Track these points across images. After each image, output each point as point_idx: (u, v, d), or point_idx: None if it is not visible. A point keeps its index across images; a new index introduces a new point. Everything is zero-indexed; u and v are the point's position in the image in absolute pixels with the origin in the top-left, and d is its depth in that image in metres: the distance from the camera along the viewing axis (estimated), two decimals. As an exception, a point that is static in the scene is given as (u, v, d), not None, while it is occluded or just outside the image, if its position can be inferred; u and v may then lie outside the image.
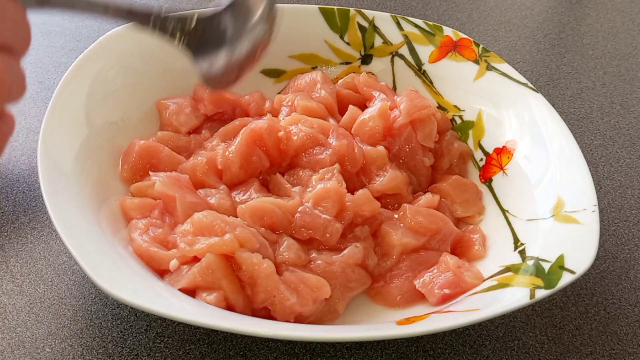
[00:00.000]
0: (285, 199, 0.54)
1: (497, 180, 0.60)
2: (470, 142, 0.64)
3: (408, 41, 0.68)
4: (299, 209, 0.53)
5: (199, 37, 0.40)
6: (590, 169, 0.54)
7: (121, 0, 0.36)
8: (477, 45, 0.66)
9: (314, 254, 0.52)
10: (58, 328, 0.51)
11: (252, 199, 0.54)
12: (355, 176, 0.58)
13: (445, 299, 0.51)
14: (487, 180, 0.61)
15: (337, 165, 0.56)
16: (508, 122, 0.62)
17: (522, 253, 0.52)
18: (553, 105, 0.60)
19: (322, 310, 0.51)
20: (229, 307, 0.48)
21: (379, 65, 0.69)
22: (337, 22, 0.69)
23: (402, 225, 0.55)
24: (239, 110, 0.64)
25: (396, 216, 0.56)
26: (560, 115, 0.59)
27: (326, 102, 0.63)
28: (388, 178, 0.57)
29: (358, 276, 0.52)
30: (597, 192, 0.53)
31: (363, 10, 0.69)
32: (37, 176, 0.50)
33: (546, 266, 0.49)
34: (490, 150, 0.62)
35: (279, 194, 0.56)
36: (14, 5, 0.29)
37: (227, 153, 0.56)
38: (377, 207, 0.55)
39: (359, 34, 0.69)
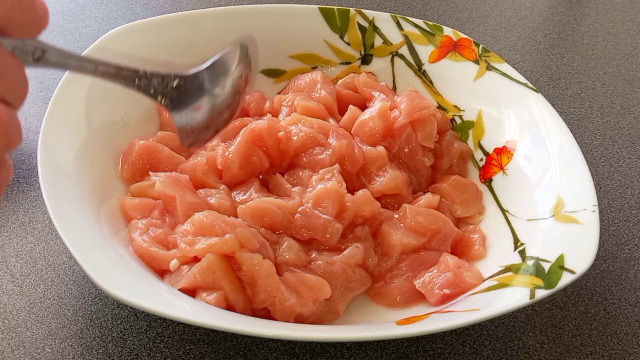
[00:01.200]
0: (285, 199, 0.54)
1: (497, 180, 0.60)
2: (470, 142, 0.64)
3: (408, 41, 0.68)
4: (299, 210, 0.53)
5: (179, 95, 0.44)
6: (590, 169, 0.54)
7: (109, 62, 0.39)
8: (477, 45, 0.66)
9: (314, 255, 0.52)
10: (58, 328, 0.51)
11: (252, 199, 0.54)
12: (355, 176, 0.58)
13: (445, 299, 0.51)
14: (487, 180, 0.61)
15: (337, 166, 0.56)
16: (508, 122, 0.62)
17: (522, 253, 0.52)
18: (553, 105, 0.60)
19: (323, 310, 0.51)
20: (229, 308, 0.48)
21: (379, 65, 0.69)
22: (337, 22, 0.69)
23: (402, 225, 0.55)
24: (239, 110, 0.64)
25: (396, 216, 0.56)
26: (560, 115, 0.59)
27: (326, 102, 0.63)
28: (388, 178, 0.57)
29: (358, 276, 0.52)
30: (597, 192, 0.53)
31: (363, 10, 0.69)
32: (37, 176, 0.50)
33: (546, 266, 0.49)
34: (490, 150, 0.62)
35: (279, 194, 0.56)
36: (15, 61, 0.32)
37: (227, 153, 0.56)
38: (378, 208, 0.55)
39: (359, 34, 0.69)
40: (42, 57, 0.34)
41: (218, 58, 0.46)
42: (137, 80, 0.41)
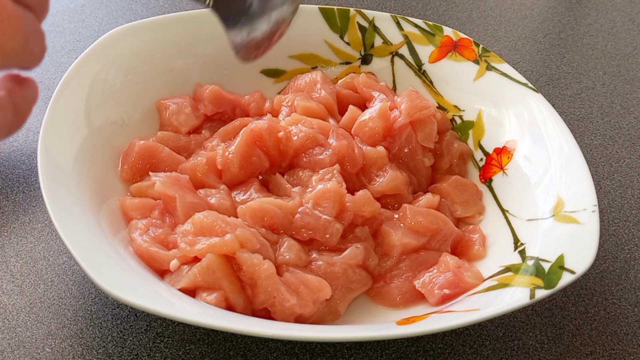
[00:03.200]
0: (285, 199, 0.54)
1: (497, 180, 0.60)
2: (470, 142, 0.64)
3: (408, 41, 0.68)
4: (299, 210, 0.53)
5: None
6: (590, 169, 0.54)
7: None
8: (477, 45, 0.66)
9: (314, 255, 0.52)
10: (58, 328, 0.51)
11: (253, 199, 0.54)
12: (355, 177, 0.58)
13: (445, 299, 0.51)
14: (487, 180, 0.61)
15: (337, 166, 0.56)
16: (508, 122, 0.62)
17: (522, 253, 0.52)
18: (553, 105, 0.60)
19: (323, 311, 0.51)
20: (229, 308, 0.48)
21: (379, 65, 0.69)
22: (337, 22, 0.69)
23: (402, 225, 0.55)
24: (239, 110, 0.64)
25: (396, 216, 0.56)
26: (560, 115, 0.59)
27: (326, 103, 0.63)
28: (388, 179, 0.57)
29: (359, 277, 0.52)
30: (597, 192, 0.53)
31: (363, 10, 0.69)
32: (37, 176, 0.50)
33: (546, 266, 0.49)
34: (490, 150, 0.62)
35: (279, 194, 0.56)
36: None
37: (226, 153, 0.56)
38: (378, 208, 0.55)
39: (359, 34, 0.69)
40: None
41: None
42: None
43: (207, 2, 0.39)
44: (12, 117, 0.30)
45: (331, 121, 0.61)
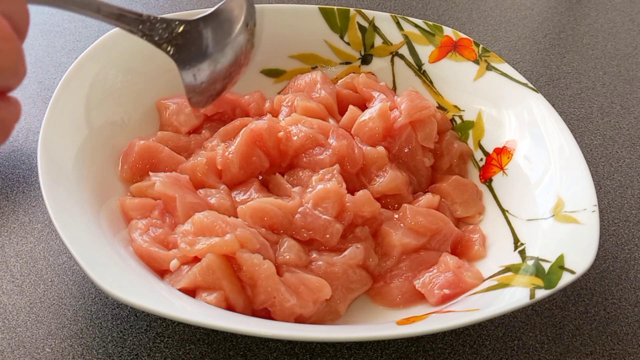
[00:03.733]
0: (285, 199, 0.54)
1: (497, 180, 0.60)
2: (470, 142, 0.64)
3: (408, 41, 0.68)
4: (299, 210, 0.53)
5: (185, 43, 0.41)
6: (590, 169, 0.54)
7: (112, 4, 0.36)
8: (477, 45, 0.66)
9: (314, 255, 0.52)
10: (58, 328, 0.51)
11: (253, 199, 0.54)
12: (355, 177, 0.58)
13: (445, 299, 0.51)
14: (487, 180, 0.61)
15: (337, 166, 0.56)
16: (508, 122, 0.62)
17: (522, 253, 0.52)
18: (553, 105, 0.60)
19: (323, 311, 0.51)
20: (229, 308, 0.48)
21: (379, 65, 0.69)
22: (337, 22, 0.69)
23: (402, 225, 0.55)
24: (239, 110, 0.64)
25: (396, 216, 0.56)
26: (560, 115, 0.59)
27: (326, 103, 0.63)
28: (388, 179, 0.57)
29: (359, 277, 0.52)
30: (597, 192, 0.53)
31: (363, 10, 0.69)
32: (37, 176, 0.50)
33: (546, 266, 0.49)
34: (490, 150, 0.62)
35: (279, 194, 0.56)
36: None
37: (226, 153, 0.56)
38: (378, 208, 0.55)
39: (359, 34, 0.69)
40: None
41: (223, 5, 0.43)
42: (140, 25, 0.39)
43: (169, 50, 0.40)
44: None
45: (331, 121, 0.61)
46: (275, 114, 0.63)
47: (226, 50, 0.43)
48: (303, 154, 0.58)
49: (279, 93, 0.68)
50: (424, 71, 0.67)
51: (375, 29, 0.69)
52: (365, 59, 0.69)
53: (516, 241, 0.54)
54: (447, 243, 0.56)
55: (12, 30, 0.30)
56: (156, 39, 0.40)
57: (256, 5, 0.67)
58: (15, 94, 0.33)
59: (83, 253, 0.45)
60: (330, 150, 0.57)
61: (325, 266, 0.51)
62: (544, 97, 0.61)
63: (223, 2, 0.43)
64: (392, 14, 0.69)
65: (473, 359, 0.51)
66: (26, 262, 0.55)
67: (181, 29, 0.41)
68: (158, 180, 0.53)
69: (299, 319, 0.49)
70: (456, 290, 0.51)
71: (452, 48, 0.67)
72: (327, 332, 0.47)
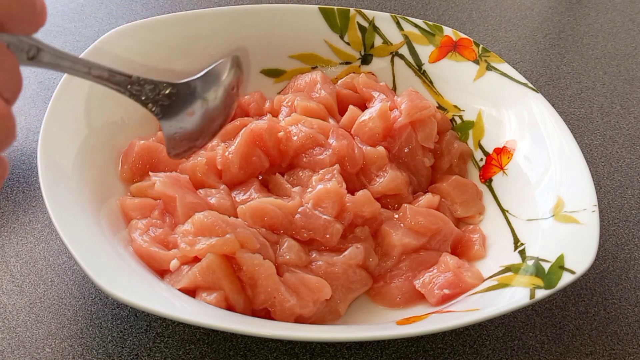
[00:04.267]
0: (285, 199, 0.54)
1: (497, 180, 0.60)
2: (470, 142, 0.64)
3: (408, 41, 0.68)
4: (299, 210, 0.53)
5: (170, 104, 0.43)
6: (590, 169, 0.54)
7: (102, 66, 0.39)
8: (477, 45, 0.66)
9: (314, 255, 0.52)
10: (58, 328, 0.51)
11: (253, 199, 0.54)
12: (355, 177, 0.58)
13: (445, 299, 0.51)
14: (487, 180, 0.61)
15: (337, 166, 0.56)
16: (508, 122, 0.62)
17: (522, 253, 0.52)
18: (553, 105, 0.60)
19: (324, 311, 0.51)
20: (229, 308, 0.48)
21: (379, 65, 0.69)
22: (337, 22, 0.69)
23: (402, 225, 0.55)
24: (239, 110, 0.64)
25: (396, 216, 0.56)
26: (560, 115, 0.59)
27: (326, 103, 0.63)
28: (388, 179, 0.57)
29: (359, 277, 0.52)
30: (597, 192, 0.53)
31: (363, 10, 0.69)
32: (37, 176, 0.50)
33: (546, 266, 0.49)
34: (490, 150, 0.62)
35: (279, 194, 0.56)
36: (11, 56, 0.32)
37: (227, 153, 0.56)
38: (378, 208, 0.55)
39: (359, 34, 0.69)
40: (37, 56, 0.34)
41: (210, 69, 0.46)
42: (129, 85, 0.41)
43: (154, 110, 0.43)
44: None
45: (331, 121, 0.61)
46: (275, 114, 0.63)
47: (210, 111, 0.46)
48: (303, 154, 0.58)
49: (279, 93, 0.68)
50: (424, 71, 0.67)
51: (375, 29, 0.69)
52: (365, 59, 0.69)
53: (516, 241, 0.54)
54: (447, 243, 0.56)
55: (7, 106, 0.31)
56: (143, 98, 0.42)
57: (257, 6, 0.68)
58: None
59: (83, 253, 0.45)
60: (330, 150, 0.57)
61: (326, 266, 0.51)
62: (544, 97, 0.61)
63: (211, 66, 0.46)
64: (392, 14, 0.69)
65: (473, 359, 0.51)
66: (26, 262, 0.55)
67: (168, 90, 0.43)
68: (158, 180, 0.53)
69: (299, 319, 0.49)
70: (456, 290, 0.51)
71: (452, 48, 0.67)
72: (327, 332, 0.47)
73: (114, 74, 0.40)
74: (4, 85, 0.31)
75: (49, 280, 0.54)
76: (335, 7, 0.69)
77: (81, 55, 0.59)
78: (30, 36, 0.34)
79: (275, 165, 0.58)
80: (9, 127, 0.31)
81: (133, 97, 0.42)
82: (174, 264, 0.49)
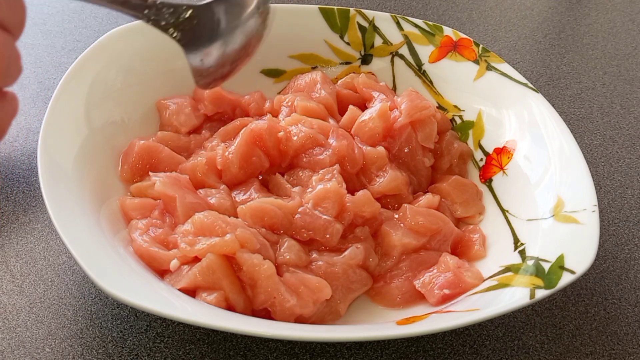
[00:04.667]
0: (285, 199, 0.54)
1: (497, 180, 0.60)
2: (470, 142, 0.64)
3: (408, 41, 0.68)
4: (299, 210, 0.53)
5: (193, 28, 0.40)
6: (590, 169, 0.54)
7: None
8: (477, 45, 0.66)
9: (314, 255, 0.52)
10: (58, 328, 0.51)
11: (253, 199, 0.54)
12: (355, 177, 0.58)
13: (445, 299, 0.51)
14: (487, 180, 0.61)
15: (337, 166, 0.56)
16: (508, 122, 0.62)
17: (522, 253, 0.52)
18: (553, 105, 0.60)
19: (324, 311, 0.51)
20: (229, 308, 0.48)
21: (379, 65, 0.69)
22: (337, 22, 0.69)
23: (402, 225, 0.55)
24: (239, 110, 0.64)
25: (396, 216, 0.56)
26: (560, 115, 0.59)
27: (326, 103, 0.63)
28: (388, 179, 0.57)
29: (359, 277, 0.52)
30: (597, 192, 0.53)
31: (363, 10, 0.69)
32: (37, 176, 0.50)
33: (546, 266, 0.49)
34: (490, 150, 0.62)
35: (279, 194, 0.56)
36: None
37: (226, 153, 0.56)
38: (378, 208, 0.55)
39: (359, 34, 0.69)
40: None
41: None
42: (146, 10, 0.38)
43: (175, 35, 0.40)
44: None
45: (331, 121, 0.61)
46: (275, 114, 0.63)
47: (236, 34, 0.42)
48: (303, 154, 0.58)
49: (279, 93, 0.68)
50: (424, 71, 0.67)
51: (375, 29, 0.69)
52: (365, 59, 0.69)
53: (516, 241, 0.54)
54: (447, 243, 0.56)
55: (10, 37, 0.30)
56: (162, 23, 0.39)
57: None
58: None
59: (83, 253, 0.45)
60: (330, 150, 0.57)
61: (326, 266, 0.51)
62: (544, 97, 0.61)
63: None
64: (392, 14, 0.69)
65: (473, 359, 0.51)
66: (26, 262, 0.55)
67: (189, 13, 0.40)
68: (158, 180, 0.53)
69: (299, 319, 0.49)
70: (456, 290, 0.51)
71: (452, 48, 0.67)
72: (327, 332, 0.47)
73: None
74: (7, 15, 0.30)
75: (49, 280, 0.54)
76: (335, 7, 0.69)
77: (82, 55, 0.59)
78: None
79: (275, 165, 0.58)
80: (14, 57, 0.30)
81: (151, 22, 0.38)
82: (174, 264, 0.49)
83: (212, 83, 0.44)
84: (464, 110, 0.65)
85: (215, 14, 0.41)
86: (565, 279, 0.47)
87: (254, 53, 0.44)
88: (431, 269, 0.53)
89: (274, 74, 0.69)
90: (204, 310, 0.47)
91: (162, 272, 0.51)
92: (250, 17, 0.42)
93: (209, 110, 0.63)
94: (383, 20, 0.69)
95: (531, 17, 0.90)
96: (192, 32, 0.40)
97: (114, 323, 0.51)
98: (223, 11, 0.41)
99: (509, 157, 0.60)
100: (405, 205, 0.56)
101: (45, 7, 0.84)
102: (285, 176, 0.58)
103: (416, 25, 0.68)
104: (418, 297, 0.53)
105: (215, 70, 0.43)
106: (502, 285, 0.49)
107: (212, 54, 0.42)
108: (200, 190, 0.55)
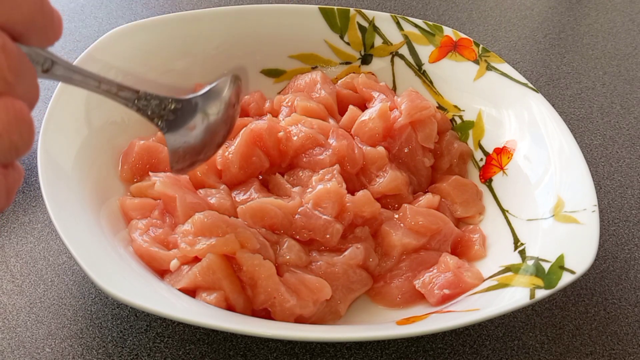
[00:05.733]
0: (285, 199, 0.54)
1: (497, 180, 0.60)
2: (470, 142, 0.64)
3: (408, 41, 0.68)
4: (299, 210, 0.53)
5: (175, 118, 0.45)
6: (590, 169, 0.54)
7: (111, 80, 0.41)
8: (477, 45, 0.66)
9: (314, 255, 0.52)
10: (58, 328, 0.51)
11: (253, 199, 0.54)
12: (355, 177, 0.58)
13: (445, 299, 0.51)
14: (487, 180, 0.61)
15: (337, 166, 0.56)
16: (508, 122, 0.62)
17: (522, 253, 0.52)
18: (553, 105, 0.60)
19: (324, 311, 0.51)
20: (229, 308, 0.48)
21: (379, 65, 0.69)
22: (337, 22, 0.69)
23: (402, 225, 0.55)
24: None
25: (396, 216, 0.56)
26: (560, 115, 0.59)
27: (326, 103, 0.63)
28: (388, 179, 0.57)
29: (359, 277, 0.52)
30: (597, 192, 0.53)
31: (363, 10, 0.69)
32: (37, 176, 0.50)
33: (546, 266, 0.49)
34: (490, 150, 0.62)
35: (279, 194, 0.56)
36: (30, 67, 0.32)
37: (226, 153, 0.56)
38: (378, 208, 0.55)
39: (359, 34, 0.69)
40: (51, 69, 0.35)
41: (212, 87, 0.48)
42: (136, 100, 0.43)
43: (160, 124, 0.45)
44: (4, 200, 0.33)
45: (331, 121, 0.61)
46: (275, 114, 0.63)
47: (211, 125, 0.47)
48: (303, 154, 0.58)
49: (279, 93, 0.68)
50: (424, 71, 0.67)
51: (375, 29, 0.69)
52: (365, 59, 0.69)
53: (516, 241, 0.54)
54: (447, 243, 0.56)
55: (29, 112, 0.32)
56: (149, 113, 0.44)
57: (257, 6, 0.68)
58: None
59: (83, 253, 0.45)
60: (330, 150, 0.57)
61: (326, 266, 0.51)
62: (544, 97, 0.61)
63: (212, 84, 0.48)
64: (392, 14, 0.69)
65: (473, 359, 0.51)
66: (26, 262, 0.55)
67: (173, 106, 0.45)
68: (158, 180, 0.53)
69: (299, 319, 0.49)
70: (456, 290, 0.51)
71: (452, 48, 0.67)
72: (327, 332, 0.47)
73: (122, 88, 0.42)
74: (24, 95, 0.32)
75: (49, 280, 0.54)
76: (335, 7, 0.69)
77: (81, 55, 0.59)
78: (45, 49, 0.34)
79: (275, 165, 0.58)
80: (30, 133, 0.32)
81: (140, 112, 0.44)
82: (174, 264, 0.49)
83: (186, 169, 0.49)
84: (464, 110, 0.65)
85: (196, 108, 0.46)
86: (565, 279, 0.47)
87: (225, 141, 0.50)
88: (431, 269, 0.53)
89: (274, 74, 0.69)
90: (204, 310, 0.47)
91: (162, 272, 0.51)
92: (226, 111, 0.48)
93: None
94: (383, 20, 0.69)
95: (531, 17, 0.90)
96: (175, 123, 0.45)
97: (114, 323, 0.51)
98: (202, 105, 0.47)
99: (509, 157, 0.60)
100: (405, 205, 0.56)
101: (45, 7, 0.83)
102: (285, 176, 0.58)
103: (416, 25, 0.68)
104: (418, 297, 0.53)
105: (191, 157, 0.48)
106: (502, 285, 0.49)
107: (189, 143, 0.47)
108: (200, 190, 0.55)
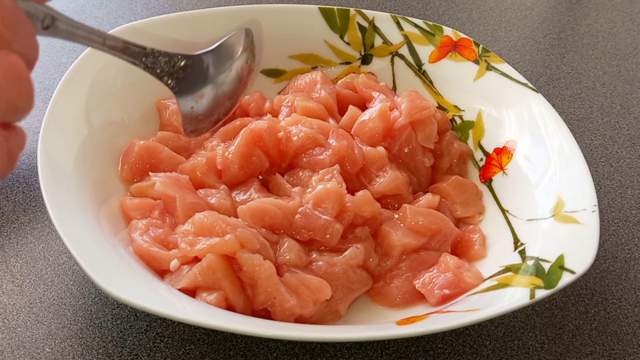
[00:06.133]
0: (285, 199, 0.54)
1: (497, 180, 0.60)
2: (470, 142, 0.64)
3: (408, 41, 0.68)
4: (299, 210, 0.53)
5: (185, 76, 0.43)
6: (590, 169, 0.54)
7: (117, 37, 0.38)
8: (477, 45, 0.66)
9: (314, 255, 0.52)
10: (58, 328, 0.51)
11: (253, 200, 0.54)
12: (355, 177, 0.58)
13: (445, 299, 0.51)
14: (487, 180, 0.61)
15: (337, 166, 0.56)
16: (508, 122, 0.62)
17: (522, 253, 0.52)
18: (553, 105, 0.60)
19: (324, 311, 0.51)
20: (229, 308, 0.48)
21: (379, 65, 0.69)
22: (337, 22, 0.69)
23: (402, 225, 0.55)
24: (239, 110, 0.64)
25: (396, 216, 0.56)
26: (560, 115, 0.59)
27: (326, 103, 0.63)
28: (388, 179, 0.57)
29: (359, 277, 0.52)
30: (597, 192, 0.53)
31: (363, 10, 0.69)
32: (37, 176, 0.50)
33: (546, 266, 0.49)
34: (490, 150, 0.62)
35: (279, 194, 0.56)
36: (28, 24, 0.31)
37: (226, 153, 0.56)
38: (378, 209, 0.55)
39: (359, 34, 0.69)
40: (52, 25, 0.33)
41: (224, 41, 0.45)
42: (144, 57, 0.40)
43: (169, 83, 0.42)
44: (6, 163, 0.32)
45: (331, 121, 0.61)
46: (275, 114, 0.63)
47: (224, 85, 0.45)
48: (303, 154, 0.58)
49: (279, 93, 0.68)
50: (424, 71, 0.67)
51: (375, 29, 0.69)
52: (365, 59, 0.69)
53: (516, 241, 0.54)
54: (447, 243, 0.56)
55: (27, 70, 0.31)
56: (158, 71, 0.41)
57: (257, 6, 0.68)
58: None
59: (83, 253, 0.45)
60: (330, 150, 0.57)
61: (326, 266, 0.51)
62: (544, 97, 0.61)
63: (225, 37, 0.44)
64: (392, 14, 0.69)
65: (473, 359, 0.51)
66: (26, 262, 0.55)
67: (182, 63, 0.43)
68: (158, 180, 0.53)
69: (299, 319, 0.49)
70: (456, 290, 0.51)
71: (452, 48, 0.67)
72: (327, 332, 0.47)
73: (128, 45, 0.39)
74: (22, 52, 0.31)
75: (49, 280, 0.54)
76: (335, 7, 0.69)
77: (82, 55, 0.59)
78: (45, 4, 0.33)
79: (275, 165, 0.58)
80: (30, 92, 0.31)
81: (148, 70, 0.41)
82: (174, 264, 0.49)
83: (199, 131, 0.46)
84: (464, 110, 0.65)
85: (207, 64, 0.44)
86: (565, 279, 0.47)
87: (240, 100, 0.47)
88: (431, 269, 0.53)
89: (274, 74, 0.69)
90: (204, 310, 0.47)
91: (162, 272, 0.51)
92: (238, 68, 0.45)
93: (209, 111, 0.63)
94: (383, 20, 0.69)
95: (531, 17, 0.90)
96: (185, 81, 0.43)
97: (114, 323, 0.51)
98: (214, 62, 0.44)
99: (509, 157, 0.60)
100: (405, 205, 0.56)
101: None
102: (285, 176, 0.58)
103: (416, 25, 0.68)
104: (418, 297, 0.53)
105: (204, 119, 0.45)
106: (502, 285, 0.49)
107: (201, 103, 0.44)
108: (200, 190, 0.55)
